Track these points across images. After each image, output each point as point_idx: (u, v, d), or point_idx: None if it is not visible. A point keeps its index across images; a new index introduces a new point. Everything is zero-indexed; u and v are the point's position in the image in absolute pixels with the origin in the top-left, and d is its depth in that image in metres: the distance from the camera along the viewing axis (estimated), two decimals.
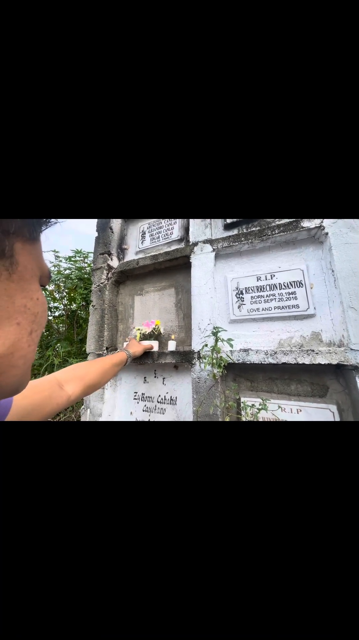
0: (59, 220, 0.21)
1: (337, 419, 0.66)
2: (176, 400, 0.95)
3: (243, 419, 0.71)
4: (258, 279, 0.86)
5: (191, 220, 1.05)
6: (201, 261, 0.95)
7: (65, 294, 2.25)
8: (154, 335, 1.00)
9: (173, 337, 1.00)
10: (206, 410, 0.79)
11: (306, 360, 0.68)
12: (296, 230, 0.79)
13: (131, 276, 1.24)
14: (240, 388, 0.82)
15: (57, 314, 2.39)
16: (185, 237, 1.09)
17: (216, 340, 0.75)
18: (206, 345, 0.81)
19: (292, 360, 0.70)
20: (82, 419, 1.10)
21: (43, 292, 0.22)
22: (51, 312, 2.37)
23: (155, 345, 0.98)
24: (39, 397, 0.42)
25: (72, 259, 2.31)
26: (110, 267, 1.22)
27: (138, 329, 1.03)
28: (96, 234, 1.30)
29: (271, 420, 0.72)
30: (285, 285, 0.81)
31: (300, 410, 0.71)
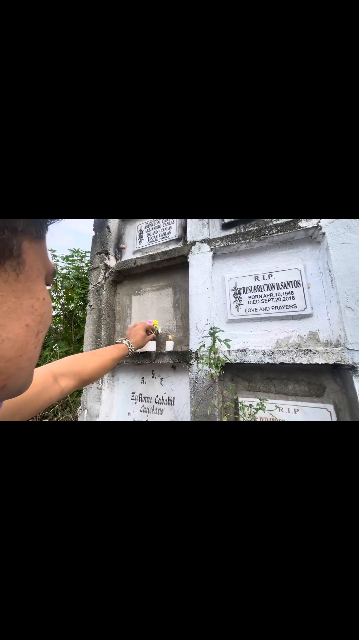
0: (60, 219, 0.21)
1: (334, 418, 0.66)
2: (174, 401, 0.95)
3: (241, 419, 0.71)
4: (256, 278, 0.86)
5: (188, 220, 1.04)
6: (199, 261, 0.95)
7: (62, 293, 2.23)
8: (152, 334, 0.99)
9: (170, 337, 0.99)
10: (204, 410, 0.79)
11: (304, 360, 0.68)
12: (294, 230, 0.79)
13: (128, 276, 1.23)
14: (237, 388, 0.82)
15: (54, 313, 2.38)
16: (182, 237, 1.09)
17: (214, 341, 0.75)
18: (203, 345, 0.81)
19: (289, 360, 0.70)
20: (79, 419, 1.10)
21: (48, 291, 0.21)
22: None
23: (153, 345, 0.97)
24: (32, 391, 0.41)
25: (70, 258, 2.29)
26: (107, 267, 1.22)
27: None
28: (93, 233, 1.30)
29: (269, 420, 0.72)
30: (282, 285, 0.81)
31: (297, 410, 0.71)
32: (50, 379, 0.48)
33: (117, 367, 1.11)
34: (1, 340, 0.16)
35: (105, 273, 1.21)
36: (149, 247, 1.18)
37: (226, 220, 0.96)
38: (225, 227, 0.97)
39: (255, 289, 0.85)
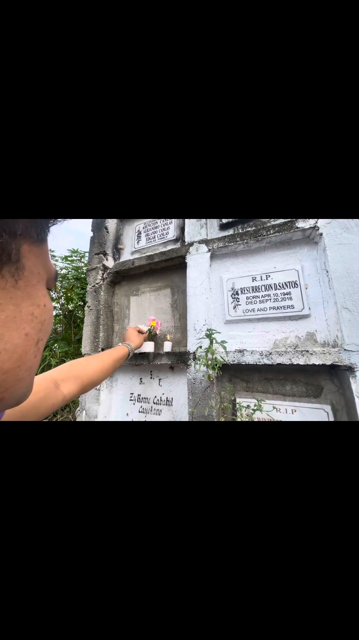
0: (60, 219, 0.20)
1: (331, 419, 0.66)
2: (172, 402, 0.95)
3: (238, 420, 0.71)
4: (254, 279, 0.86)
5: (186, 220, 1.04)
6: (197, 261, 0.95)
7: (62, 294, 2.23)
8: (150, 335, 0.99)
9: (169, 337, 0.99)
10: (202, 411, 0.79)
11: (301, 360, 0.68)
12: (291, 231, 0.79)
13: (127, 276, 1.23)
14: (235, 389, 0.82)
15: (54, 313, 2.38)
16: (180, 237, 1.09)
17: (211, 342, 0.75)
18: (200, 347, 0.81)
19: (287, 360, 0.70)
20: (78, 419, 1.10)
21: (48, 295, 0.20)
22: None
23: (150, 346, 0.97)
24: (34, 398, 0.41)
25: (69, 258, 2.29)
26: (105, 268, 1.22)
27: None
28: (91, 234, 1.29)
29: (267, 420, 0.72)
30: (280, 286, 0.81)
31: (295, 411, 0.71)
32: (51, 385, 0.48)
33: None
34: None
35: (103, 274, 1.21)
36: (147, 248, 1.18)
37: (224, 221, 0.96)
38: (222, 227, 0.97)
39: (253, 290, 0.85)
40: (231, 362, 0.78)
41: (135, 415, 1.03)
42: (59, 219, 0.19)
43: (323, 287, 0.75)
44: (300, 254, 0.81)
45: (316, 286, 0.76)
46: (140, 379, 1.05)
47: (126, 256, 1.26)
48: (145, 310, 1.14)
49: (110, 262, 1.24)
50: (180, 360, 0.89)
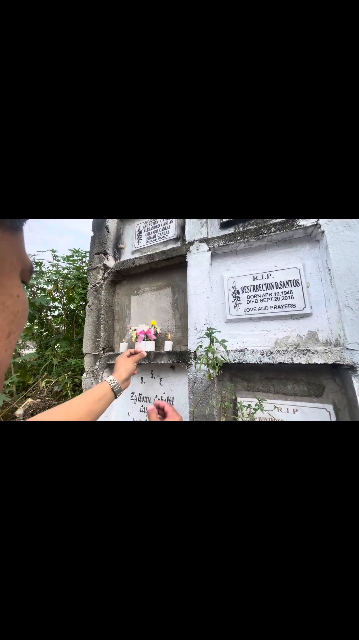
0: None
1: (333, 418, 0.66)
2: (173, 401, 0.95)
3: (239, 420, 0.70)
4: (255, 278, 0.85)
5: (187, 219, 1.04)
6: (197, 260, 0.94)
7: (64, 293, 2.24)
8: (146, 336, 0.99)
9: (169, 337, 0.99)
10: (203, 410, 0.79)
11: (303, 360, 0.67)
12: (293, 229, 0.78)
13: (127, 276, 1.23)
14: (236, 388, 0.82)
15: (56, 313, 2.39)
16: (181, 236, 1.08)
17: (212, 341, 0.74)
18: (201, 346, 0.81)
19: (288, 360, 0.69)
20: None
21: (25, 288, 0.19)
22: (50, 311, 2.37)
23: (151, 345, 0.97)
24: None
25: (70, 258, 2.30)
26: (106, 267, 1.22)
27: (134, 329, 1.02)
28: (92, 234, 1.30)
29: (267, 420, 0.71)
30: (281, 284, 0.81)
31: (296, 410, 0.71)
32: None
33: None
34: None
35: (104, 273, 1.21)
36: (148, 247, 1.18)
37: (224, 219, 0.95)
38: (223, 226, 0.96)
39: (254, 289, 0.85)
40: (232, 362, 0.77)
41: (136, 415, 1.03)
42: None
43: (325, 286, 0.74)
44: (302, 252, 0.80)
45: (318, 284, 0.75)
46: (141, 378, 1.05)
47: (127, 255, 1.26)
48: (145, 309, 1.14)
49: (110, 262, 1.24)
50: (180, 359, 0.89)
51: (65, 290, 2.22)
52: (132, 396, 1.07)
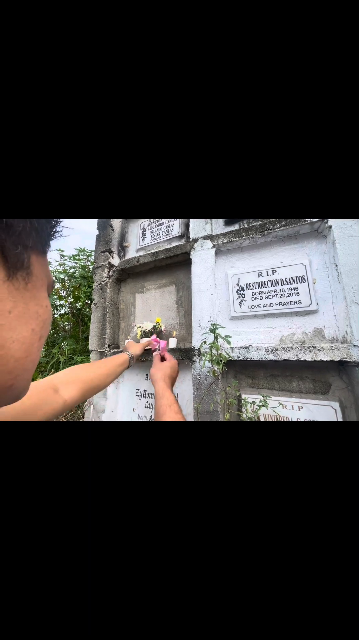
0: (62, 223, 0.23)
1: (339, 416, 0.65)
2: (177, 397, 0.96)
3: (244, 416, 0.70)
4: (259, 274, 0.85)
5: None
6: (202, 257, 0.94)
7: (70, 292, 2.28)
8: (155, 332, 1.00)
9: (174, 334, 1.00)
10: (207, 407, 0.79)
11: (308, 357, 0.67)
12: (299, 224, 0.77)
13: (132, 274, 1.24)
14: (240, 385, 0.82)
15: (62, 311, 2.43)
16: (185, 234, 1.08)
17: (216, 337, 0.74)
18: (204, 342, 0.81)
19: (293, 357, 0.69)
20: (86, 415, 1.13)
21: (49, 299, 0.24)
22: (57, 310, 2.41)
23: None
24: (28, 402, 0.40)
25: (76, 257, 2.33)
26: (111, 265, 1.23)
27: (139, 327, 1.03)
28: (97, 232, 1.31)
29: (272, 416, 0.71)
30: (286, 281, 0.80)
31: (301, 407, 0.70)
32: (49, 390, 0.48)
33: None
34: (12, 341, 0.18)
35: (109, 271, 1.22)
36: (152, 245, 1.18)
37: None
38: (228, 223, 0.96)
39: (259, 285, 0.84)
40: (237, 358, 0.77)
41: (141, 411, 1.04)
42: (57, 233, 0.22)
43: (332, 282, 0.72)
44: (308, 247, 0.79)
45: (325, 281, 0.74)
46: (146, 375, 1.06)
47: (131, 254, 1.27)
48: (150, 307, 1.14)
49: (115, 260, 1.25)
50: (185, 356, 0.89)
51: (72, 288, 2.25)
52: (137, 392, 1.08)
